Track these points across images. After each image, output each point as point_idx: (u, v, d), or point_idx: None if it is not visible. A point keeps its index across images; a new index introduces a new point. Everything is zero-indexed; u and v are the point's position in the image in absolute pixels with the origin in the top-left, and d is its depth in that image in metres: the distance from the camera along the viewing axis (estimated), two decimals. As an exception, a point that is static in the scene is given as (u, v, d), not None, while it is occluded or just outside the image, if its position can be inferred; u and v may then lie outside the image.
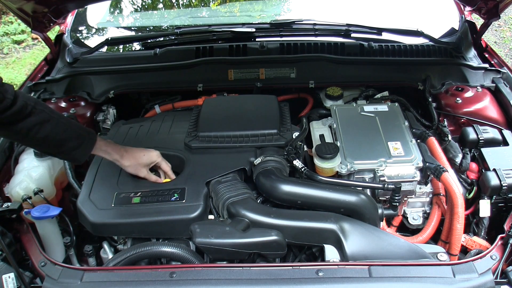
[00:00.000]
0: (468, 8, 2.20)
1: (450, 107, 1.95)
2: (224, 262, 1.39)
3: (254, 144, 1.69)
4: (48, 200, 1.57)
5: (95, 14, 2.65)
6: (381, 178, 1.57)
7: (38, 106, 1.35)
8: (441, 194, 1.64)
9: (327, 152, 1.59)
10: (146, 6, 2.94)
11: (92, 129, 2.02)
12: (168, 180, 1.64)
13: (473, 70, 2.07)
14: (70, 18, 2.41)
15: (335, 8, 2.55)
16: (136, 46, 2.41)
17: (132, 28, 2.70)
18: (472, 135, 1.74)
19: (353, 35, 2.25)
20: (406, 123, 1.77)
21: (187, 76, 2.13)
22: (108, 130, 1.95)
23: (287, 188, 1.48)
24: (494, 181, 1.54)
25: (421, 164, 1.59)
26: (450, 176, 1.52)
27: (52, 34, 2.26)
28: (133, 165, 1.57)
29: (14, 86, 1.34)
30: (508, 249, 1.31)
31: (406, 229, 1.70)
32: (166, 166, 1.65)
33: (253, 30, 2.26)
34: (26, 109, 1.31)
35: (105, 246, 1.55)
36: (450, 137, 1.81)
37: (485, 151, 1.70)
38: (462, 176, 1.68)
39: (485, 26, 2.10)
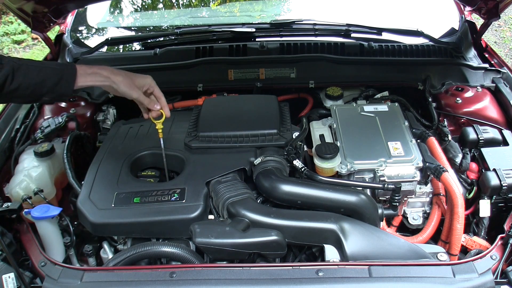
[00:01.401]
0: (468, 8, 2.20)
1: (450, 107, 1.95)
2: (224, 262, 1.39)
3: (254, 144, 1.69)
4: (48, 200, 1.57)
5: (95, 14, 2.65)
6: (381, 178, 1.57)
7: (3, 60, 1.29)
8: (441, 194, 1.64)
9: (327, 152, 1.59)
10: (146, 6, 2.94)
11: (92, 129, 2.02)
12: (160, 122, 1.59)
13: (473, 70, 2.07)
14: (70, 18, 2.41)
15: (335, 8, 2.55)
16: (136, 46, 2.41)
17: (132, 28, 2.70)
18: (472, 135, 1.74)
19: (353, 35, 2.25)
20: (406, 123, 1.77)
21: (187, 76, 2.13)
22: (108, 130, 1.95)
23: (287, 188, 1.48)
24: (494, 181, 1.54)
25: (421, 164, 1.59)
26: (450, 176, 1.52)
27: (52, 34, 2.26)
28: (127, 81, 1.44)
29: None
30: (508, 249, 1.31)
31: (406, 229, 1.70)
32: (159, 92, 1.53)
33: (253, 30, 2.27)
34: None
35: (105, 246, 1.55)
36: (450, 137, 1.81)
37: (485, 151, 1.70)
38: (462, 176, 1.68)
39: (485, 26, 2.10)
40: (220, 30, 2.28)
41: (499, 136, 1.75)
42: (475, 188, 1.63)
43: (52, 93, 1.36)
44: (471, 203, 1.65)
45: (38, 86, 1.33)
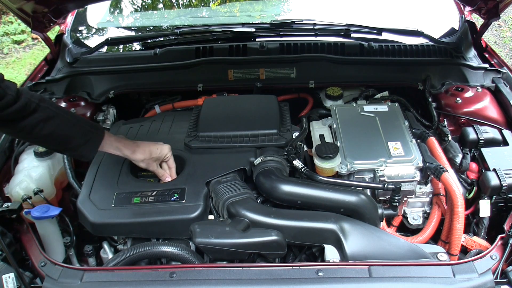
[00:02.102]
0: (468, 8, 2.20)
1: (450, 107, 1.95)
2: (224, 262, 1.39)
3: (254, 144, 1.69)
4: (48, 200, 1.57)
5: (95, 14, 2.65)
6: (381, 178, 1.57)
7: (43, 103, 1.34)
8: (441, 194, 1.64)
9: (327, 152, 1.59)
10: (146, 6, 2.94)
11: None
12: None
13: (473, 70, 2.07)
14: (70, 18, 2.41)
15: (335, 8, 2.55)
16: (136, 46, 2.41)
17: (132, 28, 2.70)
18: (472, 135, 1.74)
19: (353, 35, 2.25)
20: (406, 123, 1.77)
21: (187, 76, 2.13)
22: (108, 130, 1.95)
23: (287, 188, 1.48)
24: (494, 181, 1.54)
25: (421, 164, 1.59)
26: (450, 176, 1.52)
27: (52, 34, 2.26)
28: (146, 159, 1.56)
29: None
30: (508, 249, 1.31)
31: (406, 229, 1.70)
32: (172, 163, 1.64)
33: (253, 30, 2.26)
34: (30, 106, 1.30)
35: (105, 246, 1.55)
36: (450, 137, 1.81)
37: (485, 151, 1.70)
38: (462, 176, 1.68)
39: (485, 26, 2.10)
40: (220, 30, 2.28)
41: (499, 136, 1.75)
42: (475, 188, 1.63)
43: (75, 151, 1.43)
44: (471, 203, 1.65)
45: (65, 139, 1.39)
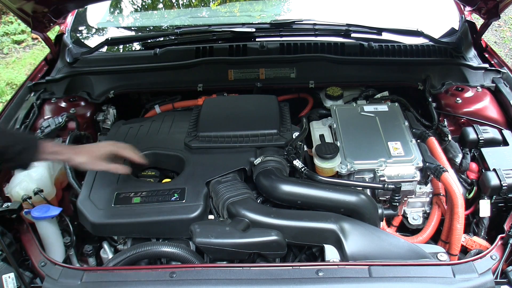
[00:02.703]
0: (468, 8, 2.20)
1: (450, 107, 1.95)
2: (224, 262, 1.39)
3: (254, 144, 1.69)
4: (48, 200, 1.57)
5: (95, 14, 2.65)
6: (381, 178, 1.57)
7: None
8: (441, 194, 1.64)
9: (327, 152, 1.59)
10: (146, 6, 2.94)
11: (92, 129, 2.02)
12: (168, 180, 1.64)
13: (473, 70, 2.07)
14: (70, 18, 2.41)
15: (335, 8, 2.55)
16: (136, 46, 2.41)
17: (132, 28, 2.70)
18: (472, 135, 1.74)
19: (353, 35, 2.25)
20: (406, 123, 1.77)
21: (187, 76, 2.13)
22: (108, 130, 1.96)
23: (287, 188, 1.48)
24: (494, 181, 1.54)
25: (421, 164, 1.59)
26: (450, 176, 1.52)
27: (52, 34, 2.26)
28: (89, 160, 1.43)
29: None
30: (508, 249, 1.31)
31: (406, 229, 1.70)
32: (127, 152, 1.51)
33: (253, 30, 2.26)
34: None
35: (105, 246, 1.55)
36: (450, 137, 1.81)
37: (485, 151, 1.70)
38: (462, 176, 1.68)
39: (485, 26, 2.10)
40: (220, 30, 2.28)
41: (499, 136, 1.75)
42: (475, 188, 1.63)
43: (13, 162, 1.36)
44: (471, 203, 1.65)
45: (1, 151, 1.32)
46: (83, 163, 1.43)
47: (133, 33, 2.63)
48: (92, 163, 1.44)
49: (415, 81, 2.09)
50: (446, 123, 1.93)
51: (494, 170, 1.58)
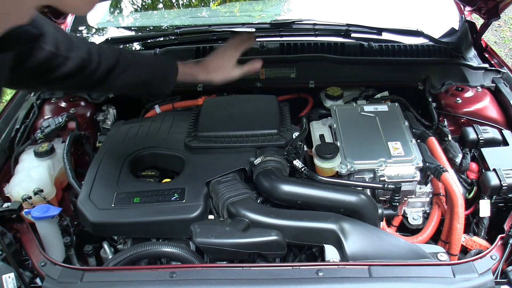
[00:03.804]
0: (468, 8, 2.20)
1: (450, 107, 1.95)
2: (224, 262, 1.39)
3: (254, 144, 1.69)
4: (48, 200, 1.57)
5: (95, 14, 2.65)
6: (381, 178, 1.57)
7: (120, 56, 1.39)
8: (441, 194, 1.64)
9: (327, 152, 1.59)
10: (146, 6, 2.94)
11: (92, 129, 2.02)
12: (168, 180, 1.64)
13: (473, 70, 2.07)
14: (70, 18, 2.41)
15: (335, 8, 2.56)
16: (136, 46, 2.41)
17: (132, 28, 2.70)
18: (472, 135, 1.74)
19: (353, 35, 2.25)
20: (406, 123, 1.77)
21: (187, 76, 2.13)
22: (108, 130, 1.95)
23: (287, 188, 1.48)
24: (494, 181, 1.54)
25: (421, 164, 1.59)
26: (450, 176, 1.52)
27: (52, 34, 2.25)
28: (224, 76, 1.55)
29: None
30: (508, 249, 1.31)
31: (406, 229, 1.70)
32: (247, 43, 1.61)
33: (253, 30, 2.27)
34: (110, 63, 1.35)
35: (105, 246, 1.55)
36: (450, 137, 1.81)
37: (485, 151, 1.70)
38: (462, 176, 1.68)
39: (485, 26, 2.10)
40: (220, 30, 2.28)
41: (499, 136, 1.75)
42: (475, 188, 1.63)
43: (154, 91, 1.52)
44: (471, 203, 1.65)
45: (145, 85, 1.47)
46: (220, 81, 1.54)
47: (133, 33, 2.63)
48: (228, 77, 1.55)
49: (415, 81, 2.09)
50: (446, 123, 1.93)
51: (494, 170, 1.58)
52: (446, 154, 1.72)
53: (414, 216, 1.67)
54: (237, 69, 1.56)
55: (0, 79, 1.04)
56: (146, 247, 1.35)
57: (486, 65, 2.07)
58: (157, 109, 2.13)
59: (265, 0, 2.85)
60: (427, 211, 1.68)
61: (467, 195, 1.64)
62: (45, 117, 1.94)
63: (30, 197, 1.56)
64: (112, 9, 2.80)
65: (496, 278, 1.24)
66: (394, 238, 1.42)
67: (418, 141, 1.72)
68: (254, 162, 1.60)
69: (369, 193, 1.57)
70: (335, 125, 1.78)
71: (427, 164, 1.58)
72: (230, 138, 1.69)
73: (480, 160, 1.69)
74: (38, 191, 1.58)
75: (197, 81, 1.54)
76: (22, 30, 0.95)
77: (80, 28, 2.57)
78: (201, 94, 2.10)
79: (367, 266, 1.25)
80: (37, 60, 1.19)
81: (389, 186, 1.49)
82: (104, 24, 2.67)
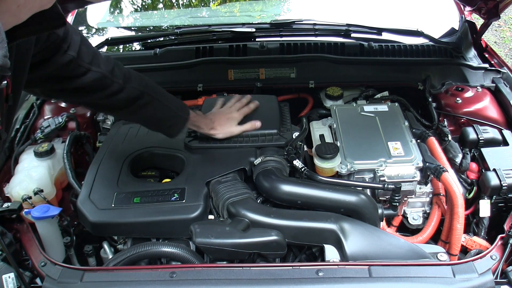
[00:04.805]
0: (468, 8, 2.20)
1: (450, 107, 1.95)
2: (224, 262, 1.39)
3: (254, 144, 1.69)
4: (48, 200, 1.57)
5: (95, 14, 2.65)
6: (381, 178, 1.57)
7: (147, 89, 1.44)
8: (441, 194, 1.64)
9: (327, 152, 1.59)
10: (146, 6, 2.94)
11: (92, 129, 2.02)
12: (168, 180, 1.64)
13: (473, 70, 2.07)
14: (70, 18, 2.41)
15: (335, 8, 2.55)
16: (136, 46, 2.41)
17: (132, 28, 2.70)
18: (472, 135, 1.74)
19: (353, 35, 2.25)
20: (406, 123, 1.77)
21: (187, 76, 2.13)
22: (108, 130, 1.95)
23: (287, 188, 1.48)
24: (494, 181, 1.54)
25: (421, 164, 1.59)
26: (450, 176, 1.52)
27: (52, 34, 2.25)
28: (225, 133, 1.66)
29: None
30: (508, 249, 1.31)
31: (406, 229, 1.70)
32: (249, 107, 1.75)
33: (253, 30, 2.26)
34: (134, 94, 1.40)
35: (105, 246, 1.55)
36: (450, 137, 1.81)
37: (485, 151, 1.69)
38: (462, 176, 1.68)
39: (485, 26, 2.10)
40: (220, 30, 2.28)
41: (499, 136, 1.75)
42: (475, 188, 1.63)
43: (164, 131, 1.59)
44: (471, 203, 1.64)
45: (159, 123, 1.56)
46: (221, 137, 1.66)
47: (133, 33, 2.63)
48: (228, 134, 1.67)
49: (415, 81, 2.09)
50: (446, 123, 1.92)
51: (494, 170, 1.58)
52: (446, 154, 1.72)
53: (414, 216, 1.67)
54: (238, 127, 1.68)
55: (25, 64, 1.05)
56: (146, 247, 1.35)
57: (486, 65, 2.07)
58: (157, 109, 2.12)
59: (265, 0, 2.85)
60: (427, 211, 1.68)
61: (467, 195, 1.64)
62: (45, 117, 1.94)
63: (30, 197, 1.56)
64: (112, 9, 2.80)
65: (496, 278, 1.24)
66: (394, 238, 1.42)
67: (418, 141, 1.72)
68: (254, 162, 1.60)
69: (369, 193, 1.57)
70: (335, 125, 1.78)
71: (427, 164, 1.58)
72: (230, 138, 1.69)
73: (480, 160, 1.69)
74: (38, 191, 1.58)
75: (199, 131, 1.66)
76: (46, 16, 0.96)
77: (80, 28, 2.57)
78: (201, 94, 2.10)
79: (367, 266, 1.24)
80: (58, 62, 1.22)
81: (389, 186, 1.49)
82: (104, 24, 2.67)
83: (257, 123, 1.69)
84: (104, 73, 1.33)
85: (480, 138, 1.72)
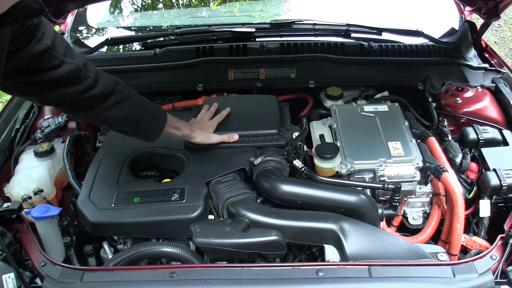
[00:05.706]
0: (468, 8, 2.20)
1: (450, 107, 1.95)
2: (224, 262, 1.39)
3: (254, 144, 1.69)
4: (48, 200, 1.57)
5: (95, 14, 2.65)
6: (381, 178, 1.57)
7: (117, 86, 1.39)
8: (441, 194, 1.64)
9: (327, 152, 1.59)
10: (146, 6, 2.94)
11: (92, 129, 2.02)
12: (168, 180, 1.64)
13: (473, 70, 2.07)
14: (70, 18, 2.41)
15: (335, 8, 2.55)
16: (136, 46, 2.41)
17: (132, 28, 2.70)
18: (472, 135, 1.74)
19: (353, 35, 2.25)
20: (406, 123, 1.77)
21: (187, 76, 2.13)
22: (108, 130, 1.95)
23: (287, 188, 1.48)
24: (494, 181, 1.54)
25: (421, 164, 1.59)
26: (450, 176, 1.52)
27: (52, 34, 2.25)
28: (204, 139, 1.65)
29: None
30: (508, 249, 1.31)
31: (406, 229, 1.70)
32: (221, 115, 1.77)
33: (253, 30, 2.26)
34: (106, 90, 1.35)
35: (105, 246, 1.55)
36: (450, 137, 1.81)
37: (485, 151, 1.70)
38: (462, 176, 1.68)
39: (485, 26, 2.10)
40: (220, 30, 2.28)
41: (499, 136, 1.75)
42: (475, 188, 1.63)
43: (141, 134, 1.52)
44: (471, 203, 1.65)
45: (134, 124, 1.47)
46: (198, 142, 1.65)
47: (133, 33, 2.63)
48: (206, 140, 1.66)
49: (415, 81, 2.09)
50: (446, 123, 1.92)
51: (494, 170, 1.58)
52: (446, 154, 1.72)
53: (414, 216, 1.67)
54: (216, 136, 1.67)
55: (2, 52, 1.04)
56: (146, 247, 1.35)
57: (486, 65, 2.07)
58: (157, 109, 2.12)
59: (265, 0, 2.85)
60: (427, 211, 1.68)
61: (467, 195, 1.64)
62: (45, 117, 1.94)
63: (30, 197, 1.56)
64: (112, 9, 2.80)
65: (496, 278, 1.24)
66: (394, 238, 1.42)
67: (418, 141, 1.72)
68: (254, 162, 1.61)
69: (369, 193, 1.57)
70: (335, 125, 1.78)
71: (427, 164, 1.58)
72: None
73: (480, 160, 1.69)
74: (38, 191, 1.58)
75: (180, 135, 1.61)
76: (26, 5, 0.96)
77: (80, 28, 2.57)
78: (201, 94, 2.10)
79: (367, 266, 1.25)
80: (32, 51, 1.18)
81: (389, 186, 1.49)
82: (104, 24, 2.67)
83: (235, 136, 1.68)
84: (78, 65, 1.27)
85: (480, 138, 1.72)
